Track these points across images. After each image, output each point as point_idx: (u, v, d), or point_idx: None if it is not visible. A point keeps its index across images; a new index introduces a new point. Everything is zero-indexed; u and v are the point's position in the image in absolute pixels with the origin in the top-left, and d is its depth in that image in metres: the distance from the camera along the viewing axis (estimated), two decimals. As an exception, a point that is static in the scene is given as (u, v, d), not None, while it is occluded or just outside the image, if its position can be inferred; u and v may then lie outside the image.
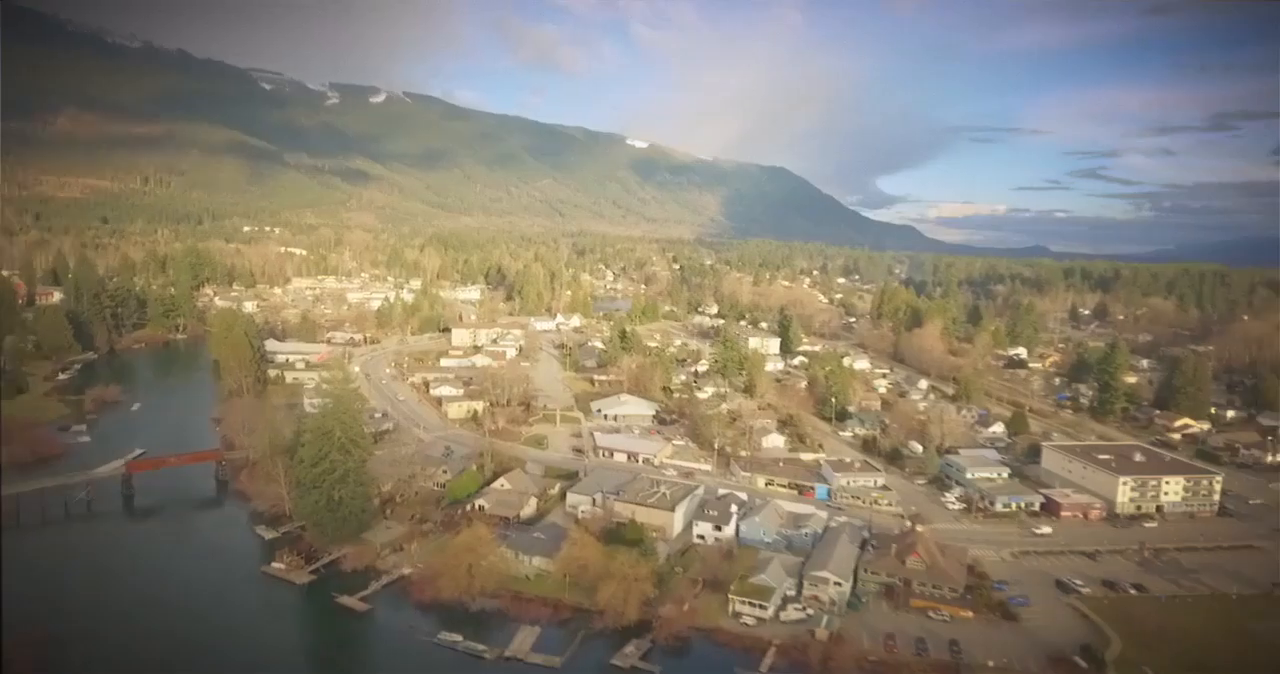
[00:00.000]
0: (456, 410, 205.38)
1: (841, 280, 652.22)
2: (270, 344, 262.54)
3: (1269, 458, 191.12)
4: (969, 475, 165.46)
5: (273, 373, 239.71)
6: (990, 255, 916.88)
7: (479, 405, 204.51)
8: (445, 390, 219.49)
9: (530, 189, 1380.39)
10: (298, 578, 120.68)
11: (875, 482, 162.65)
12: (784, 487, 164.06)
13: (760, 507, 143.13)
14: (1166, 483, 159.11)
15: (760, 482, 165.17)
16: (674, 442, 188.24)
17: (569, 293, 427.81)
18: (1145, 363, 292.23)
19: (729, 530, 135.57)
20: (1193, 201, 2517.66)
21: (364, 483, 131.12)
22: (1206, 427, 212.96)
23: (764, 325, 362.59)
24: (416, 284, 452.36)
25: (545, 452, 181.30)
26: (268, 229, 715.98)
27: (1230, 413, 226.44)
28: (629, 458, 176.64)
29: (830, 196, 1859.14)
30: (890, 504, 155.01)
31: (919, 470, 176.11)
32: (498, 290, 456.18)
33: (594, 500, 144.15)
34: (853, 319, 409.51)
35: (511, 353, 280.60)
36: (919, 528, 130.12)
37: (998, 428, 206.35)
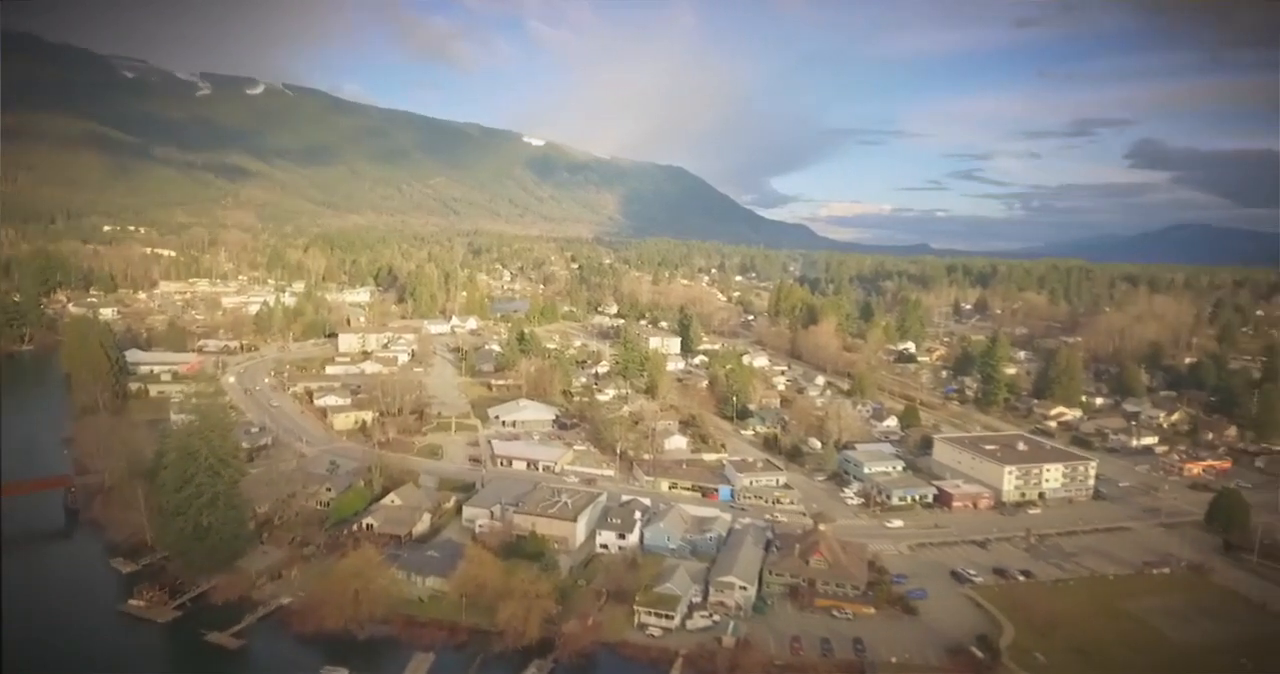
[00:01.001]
0: (343, 421, 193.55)
1: (739, 278, 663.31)
2: (132, 354, 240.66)
3: (1134, 442, 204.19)
4: (866, 470, 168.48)
5: (135, 386, 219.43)
6: (878, 253, 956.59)
7: (368, 415, 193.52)
8: (331, 400, 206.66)
9: (423, 187, 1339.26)
10: (160, 615, 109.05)
11: (777, 481, 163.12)
12: (688, 489, 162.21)
13: (664, 512, 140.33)
14: (1047, 470, 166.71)
15: (664, 485, 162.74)
16: (575, 447, 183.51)
17: (464, 294, 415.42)
18: (1022, 355, 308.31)
19: (633, 538, 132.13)
20: (1058, 201, 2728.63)
21: (236, 506, 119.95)
22: (1079, 414, 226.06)
23: (664, 324, 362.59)
24: (300, 287, 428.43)
25: (440, 462, 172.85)
26: (131, 229, 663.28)
27: (1099, 400, 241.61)
28: (529, 466, 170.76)
29: (726, 196, 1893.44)
30: (792, 503, 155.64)
31: (819, 467, 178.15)
32: (389, 292, 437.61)
33: (492, 513, 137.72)
34: (751, 317, 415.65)
35: (403, 358, 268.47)
36: (821, 527, 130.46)
37: (891, 422, 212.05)
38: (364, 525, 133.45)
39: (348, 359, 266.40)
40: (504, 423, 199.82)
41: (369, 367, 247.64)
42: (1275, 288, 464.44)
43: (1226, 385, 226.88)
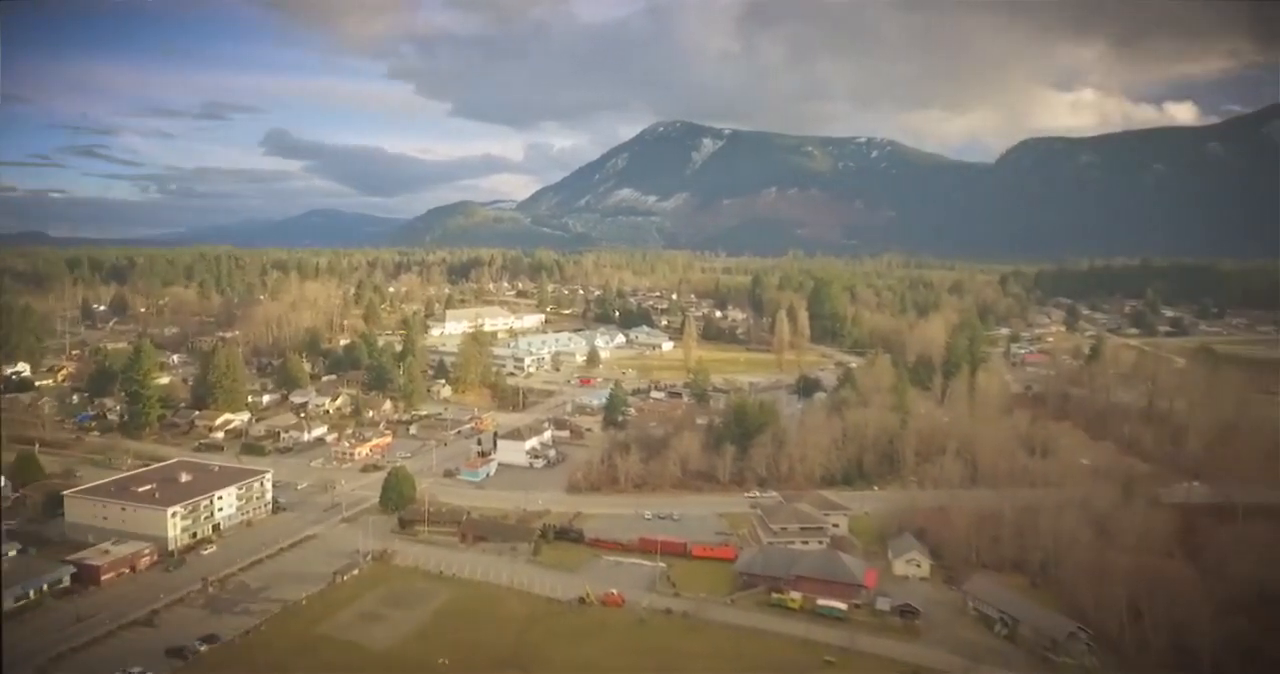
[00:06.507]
0: None
1: None
2: None
3: (305, 436, 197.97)
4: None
5: None
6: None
7: None
8: None
9: None
10: None
11: None
12: None
13: None
14: (219, 498, 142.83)
15: None
16: None
17: None
18: (176, 358, 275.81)
19: None
20: (198, 185, 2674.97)
21: None
22: (247, 417, 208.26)
23: None
24: None
25: None
26: None
27: (266, 397, 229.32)
28: None
29: None
30: None
31: None
32: None
33: None
34: None
35: None
36: None
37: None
38: None
39: None
40: None
41: None
42: (401, 266, 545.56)
43: (378, 362, 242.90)
